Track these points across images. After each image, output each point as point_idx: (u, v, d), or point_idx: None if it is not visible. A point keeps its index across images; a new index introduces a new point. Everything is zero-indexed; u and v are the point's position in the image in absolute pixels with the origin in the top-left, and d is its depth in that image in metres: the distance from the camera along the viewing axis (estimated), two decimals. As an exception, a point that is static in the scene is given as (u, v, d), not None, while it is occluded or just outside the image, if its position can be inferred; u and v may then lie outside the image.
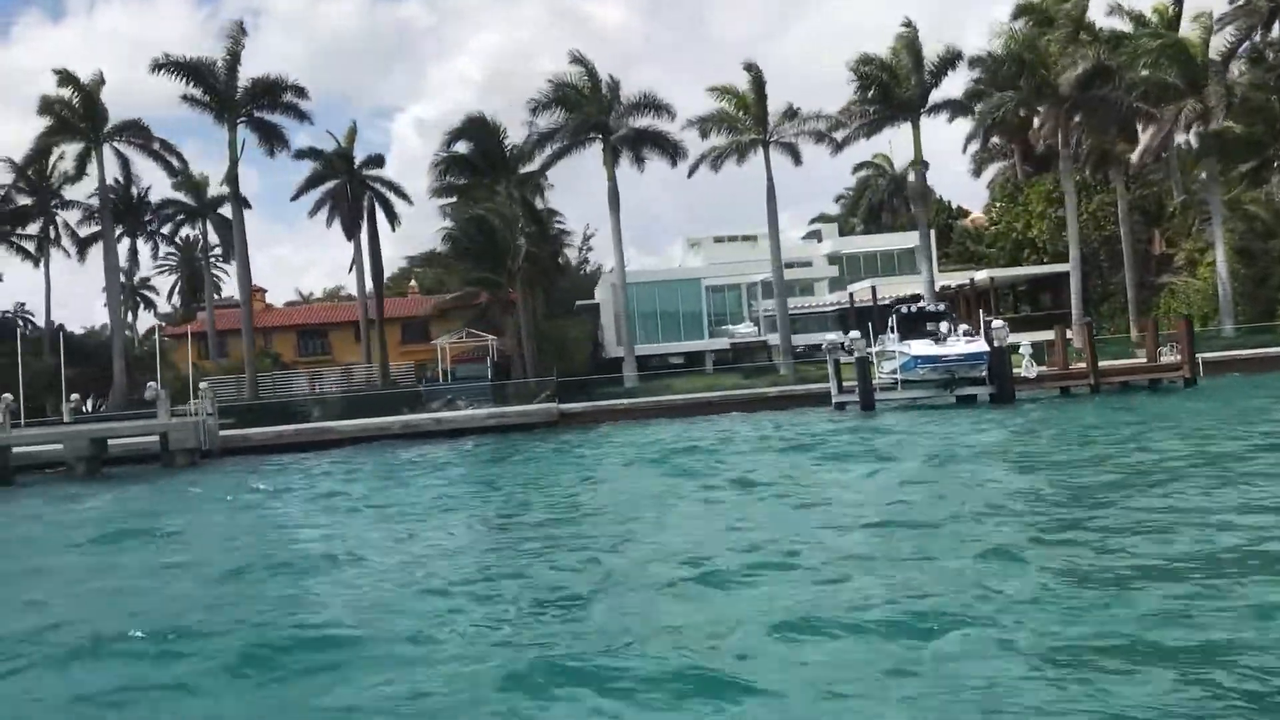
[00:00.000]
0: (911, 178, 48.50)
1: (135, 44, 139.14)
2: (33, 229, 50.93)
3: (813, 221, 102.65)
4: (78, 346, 54.23)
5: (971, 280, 58.85)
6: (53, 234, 51.50)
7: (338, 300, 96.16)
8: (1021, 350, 35.74)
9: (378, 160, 62.04)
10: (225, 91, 46.41)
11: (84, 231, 52.33)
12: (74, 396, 39.98)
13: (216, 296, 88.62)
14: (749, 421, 35.89)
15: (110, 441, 35.42)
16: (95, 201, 50.22)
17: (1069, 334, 43.55)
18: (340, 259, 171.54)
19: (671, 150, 45.65)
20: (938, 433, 25.87)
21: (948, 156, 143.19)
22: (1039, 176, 68.00)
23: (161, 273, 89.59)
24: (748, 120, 45.16)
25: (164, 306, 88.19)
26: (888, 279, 62.82)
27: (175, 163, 48.67)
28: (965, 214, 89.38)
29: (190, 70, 45.67)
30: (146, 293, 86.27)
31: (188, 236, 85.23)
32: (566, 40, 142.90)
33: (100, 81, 46.53)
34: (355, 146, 56.62)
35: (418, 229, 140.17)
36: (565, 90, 45.19)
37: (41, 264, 50.88)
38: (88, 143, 46.71)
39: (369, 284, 56.73)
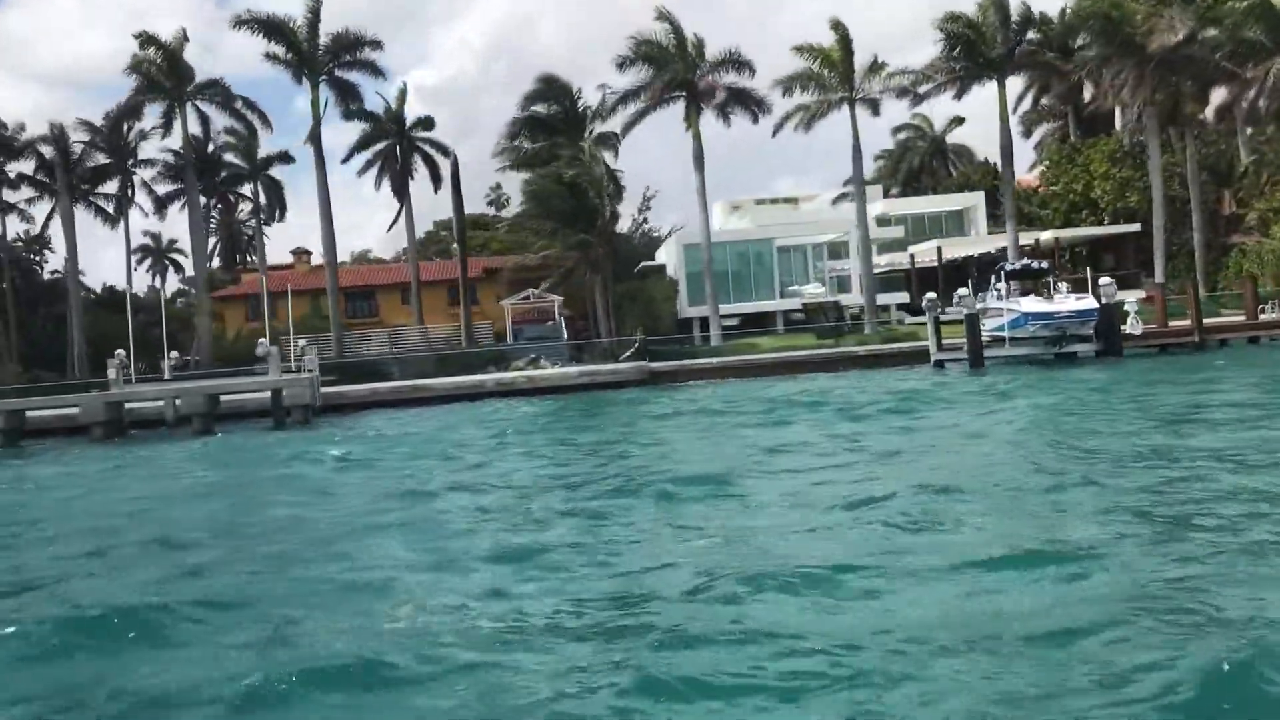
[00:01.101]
0: (999, 136, 48.27)
1: (131, 12, 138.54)
2: (110, 188, 50.99)
3: (846, 183, 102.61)
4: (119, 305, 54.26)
5: (1037, 241, 58.90)
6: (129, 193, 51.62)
7: (365, 263, 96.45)
8: (1127, 307, 35.94)
9: (427, 122, 62.08)
10: (307, 49, 46.33)
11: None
12: (174, 354, 40.26)
13: (253, 259, 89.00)
14: (850, 379, 36.01)
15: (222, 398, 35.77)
16: (170, 159, 50.45)
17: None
18: (364, 221, 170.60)
19: (756, 107, 45.55)
20: (1086, 385, 26.15)
21: (985, 120, 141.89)
22: (1097, 137, 67.68)
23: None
24: (833, 78, 45.03)
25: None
26: (945, 240, 62.96)
27: (256, 121, 48.59)
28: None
29: (272, 28, 45.62)
30: (175, 255, 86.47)
31: (228, 198, 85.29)
32: (569, 6, 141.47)
33: (183, 40, 46.49)
34: (403, 109, 56.68)
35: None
36: (649, 48, 45.04)
37: (121, 223, 50.96)
38: (172, 101, 46.68)
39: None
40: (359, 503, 15.30)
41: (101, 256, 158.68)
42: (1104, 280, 35.01)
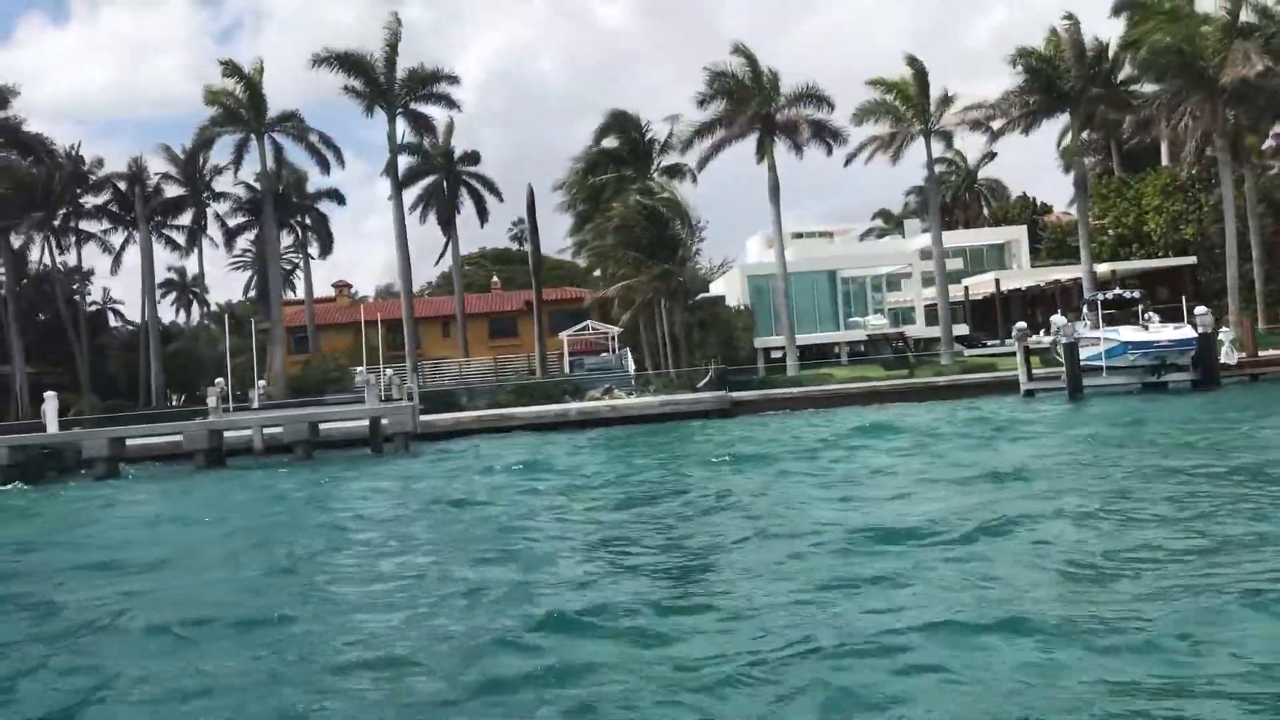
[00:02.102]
0: (1068, 169, 48.61)
1: (137, 46, 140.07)
2: (183, 219, 51.35)
3: (874, 217, 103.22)
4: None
5: (1094, 273, 59.25)
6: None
7: (386, 298, 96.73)
8: (1222, 337, 36.09)
9: (474, 157, 62.64)
10: (385, 83, 46.84)
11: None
12: (262, 382, 40.40)
13: (290, 294, 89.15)
14: (944, 410, 35.88)
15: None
16: (241, 192, 50.95)
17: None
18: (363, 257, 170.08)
19: (832, 139, 45.96)
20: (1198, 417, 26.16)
21: (1018, 155, 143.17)
22: (1144, 171, 68.04)
23: (236, 268, 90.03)
24: (908, 110, 45.47)
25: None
26: (998, 273, 63.30)
27: (329, 155, 49.02)
28: (1049, 210, 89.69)
29: (351, 63, 46.11)
30: (196, 289, 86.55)
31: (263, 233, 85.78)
32: (567, 40, 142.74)
33: (260, 71, 46.98)
34: (449, 142, 56.99)
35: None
36: (725, 81, 45.52)
37: (195, 254, 51.30)
38: (249, 132, 47.13)
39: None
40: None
41: (119, 290, 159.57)
42: (1199, 310, 35.16)
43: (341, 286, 78.66)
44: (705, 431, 34.32)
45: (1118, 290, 38.92)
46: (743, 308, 48.90)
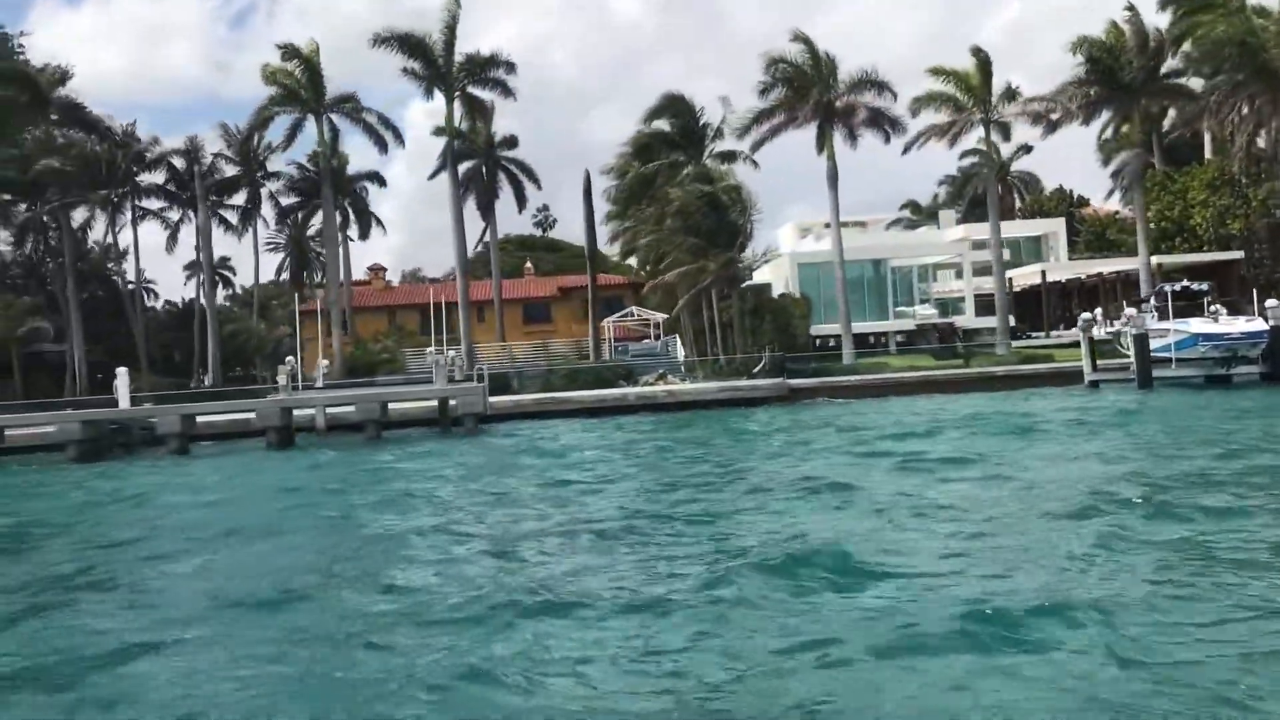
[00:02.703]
0: (1123, 160, 48.45)
1: (150, 30, 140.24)
2: (238, 199, 51.54)
3: (901, 208, 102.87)
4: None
5: (1149, 265, 59.27)
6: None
7: (413, 282, 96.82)
8: (1292, 330, 35.88)
9: (512, 142, 62.68)
10: (444, 66, 46.89)
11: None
12: (324, 362, 40.59)
13: (320, 276, 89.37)
14: (1016, 400, 35.93)
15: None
16: (294, 172, 51.12)
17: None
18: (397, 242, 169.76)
19: (891, 127, 45.90)
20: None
21: (1049, 148, 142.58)
22: (1188, 165, 67.76)
23: (271, 249, 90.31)
24: (969, 100, 45.37)
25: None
26: (1042, 265, 63.24)
27: (388, 137, 49.06)
28: (1085, 203, 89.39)
29: (412, 45, 46.17)
30: (225, 271, 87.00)
31: (296, 216, 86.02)
32: (581, 32, 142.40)
33: (317, 52, 47.06)
34: (489, 129, 56.73)
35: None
36: (783, 68, 45.46)
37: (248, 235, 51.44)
38: (308, 113, 47.25)
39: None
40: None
41: (154, 271, 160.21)
42: (1271, 302, 35.00)
43: (376, 270, 78.79)
44: (798, 417, 33.97)
45: (1185, 282, 38.74)
46: (799, 295, 48.84)
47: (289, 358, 36.32)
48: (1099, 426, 24.18)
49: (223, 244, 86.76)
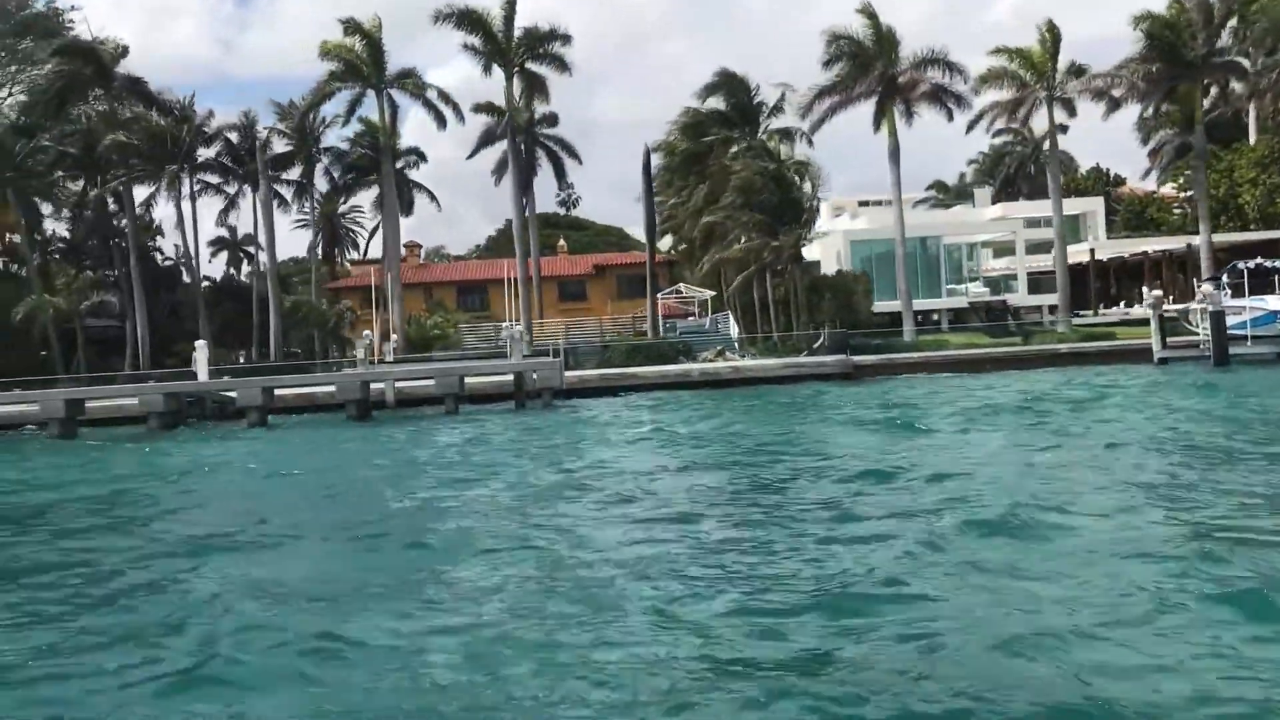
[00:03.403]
0: (1195, 138, 48.24)
1: (155, 10, 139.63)
2: (292, 174, 51.56)
3: (928, 188, 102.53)
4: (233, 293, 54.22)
5: (1189, 245, 59.19)
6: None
7: (436, 260, 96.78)
8: (1368, 308, 35.95)
9: (552, 119, 62.40)
10: (504, 41, 46.85)
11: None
12: (395, 337, 40.73)
13: (356, 254, 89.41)
14: (1085, 376, 35.97)
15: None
16: (345, 147, 51.19)
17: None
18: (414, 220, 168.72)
19: (955, 104, 45.79)
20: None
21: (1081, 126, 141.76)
22: (1243, 142, 67.49)
23: (302, 226, 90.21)
24: (1033, 77, 45.23)
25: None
26: (1088, 244, 63.14)
27: (448, 113, 48.97)
28: (1121, 182, 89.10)
29: (472, 20, 46.14)
30: (249, 248, 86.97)
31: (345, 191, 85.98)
32: (589, 11, 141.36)
33: (379, 27, 47.01)
34: (530, 104, 56.24)
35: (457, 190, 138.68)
36: (845, 43, 45.33)
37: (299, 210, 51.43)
38: (369, 88, 47.25)
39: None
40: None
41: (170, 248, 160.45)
42: (1346, 280, 35.05)
43: (412, 247, 78.73)
44: (888, 394, 34.08)
45: (1260, 260, 38.68)
46: (859, 273, 48.85)
47: (366, 332, 36.51)
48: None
49: (245, 222, 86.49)
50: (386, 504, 15.37)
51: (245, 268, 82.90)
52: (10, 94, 57.79)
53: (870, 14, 44.87)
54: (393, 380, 36.96)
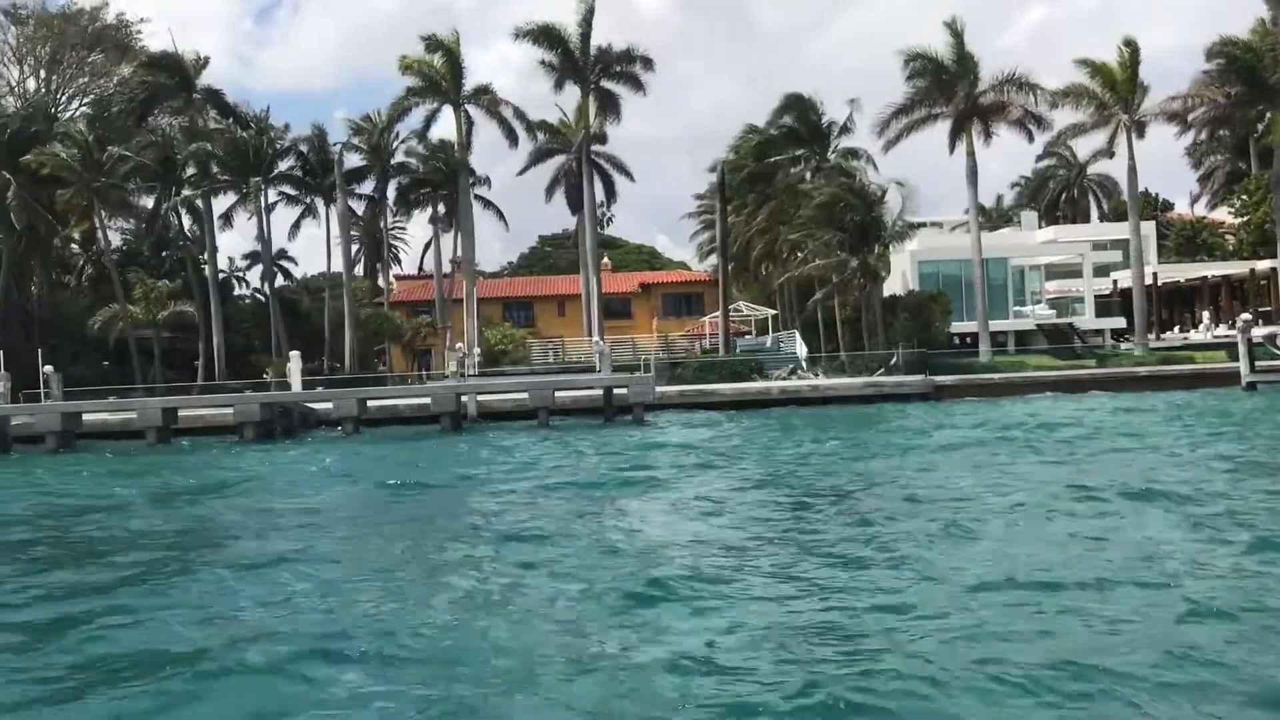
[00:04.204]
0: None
1: (178, 23, 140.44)
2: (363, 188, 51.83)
3: (966, 211, 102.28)
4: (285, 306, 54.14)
5: (1253, 270, 59.18)
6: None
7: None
8: None
9: (601, 137, 62.41)
10: (580, 58, 47.12)
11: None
12: (477, 350, 40.76)
13: (398, 268, 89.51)
14: (1177, 401, 35.76)
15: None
16: (414, 162, 51.45)
17: None
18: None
19: (1034, 125, 45.82)
20: None
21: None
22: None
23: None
24: (1112, 98, 45.19)
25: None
26: (1151, 268, 62.83)
27: (520, 130, 49.21)
28: (1169, 207, 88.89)
29: (551, 38, 46.45)
30: (284, 263, 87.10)
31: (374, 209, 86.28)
32: (604, 28, 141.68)
33: (458, 43, 47.34)
34: (581, 123, 56.14)
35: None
36: (925, 63, 45.42)
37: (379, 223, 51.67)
38: (445, 103, 47.51)
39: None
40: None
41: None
42: None
43: (458, 263, 78.88)
44: (984, 416, 33.91)
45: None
46: (938, 293, 48.80)
47: (459, 345, 36.56)
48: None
49: (278, 237, 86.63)
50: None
51: (279, 280, 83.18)
52: (81, 106, 58.42)
53: (956, 32, 44.91)
54: (474, 393, 36.96)
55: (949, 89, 44.61)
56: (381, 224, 52.12)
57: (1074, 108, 45.90)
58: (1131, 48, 44.54)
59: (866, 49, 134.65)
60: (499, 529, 14.11)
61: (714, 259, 69.56)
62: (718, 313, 62.11)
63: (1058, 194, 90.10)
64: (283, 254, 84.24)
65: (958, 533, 12.35)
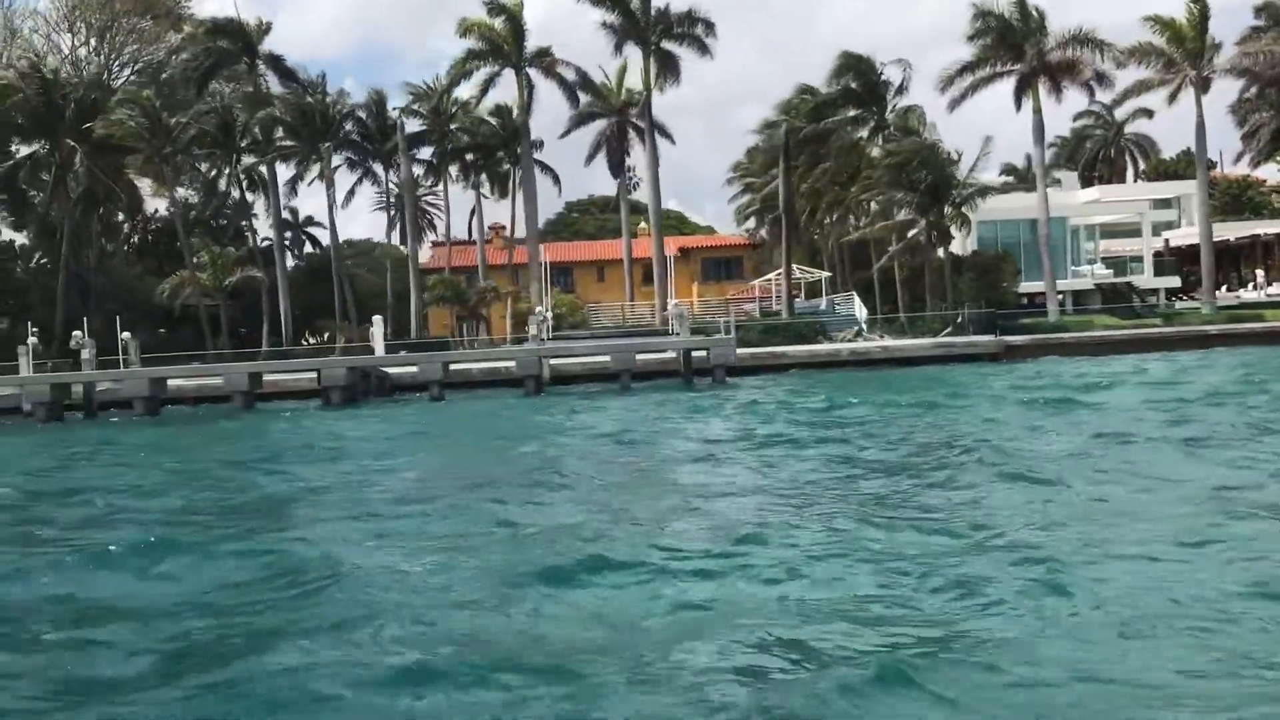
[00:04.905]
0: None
1: None
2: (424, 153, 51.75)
3: (1001, 173, 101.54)
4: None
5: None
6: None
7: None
8: None
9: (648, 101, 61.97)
10: (641, 19, 46.91)
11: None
12: (548, 315, 40.83)
13: (434, 235, 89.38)
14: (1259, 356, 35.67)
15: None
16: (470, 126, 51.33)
17: None
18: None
19: (1097, 82, 45.48)
20: None
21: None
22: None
23: (379, 208, 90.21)
24: (1181, 54, 44.78)
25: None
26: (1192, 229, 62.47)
27: (581, 92, 49.00)
28: (1213, 166, 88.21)
29: (615, 0, 46.35)
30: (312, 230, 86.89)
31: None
32: None
33: (521, 5, 47.11)
34: (621, 85, 55.73)
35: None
36: (994, 20, 45.07)
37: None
38: (509, 66, 47.38)
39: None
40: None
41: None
42: None
43: (498, 229, 78.92)
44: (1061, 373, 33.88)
45: None
46: (1003, 253, 48.68)
47: (539, 308, 36.69)
48: None
49: (308, 203, 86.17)
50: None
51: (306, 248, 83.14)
52: (130, 74, 58.42)
53: (1020, -9, 44.54)
54: (556, 356, 37.07)
55: (1016, 47, 44.22)
56: (442, 189, 51.73)
57: (1140, 65, 45.47)
58: (1200, 3, 44.08)
59: (869, 23, 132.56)
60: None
61: (751, 223, 69.46)
62: (769, 275, 62.10)
63: (1095, 154, 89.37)
64: (310, 220, 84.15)
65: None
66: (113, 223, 58.83)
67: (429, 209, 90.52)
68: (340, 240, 50.12)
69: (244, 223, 50.85)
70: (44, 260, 54.78)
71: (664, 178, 52.53)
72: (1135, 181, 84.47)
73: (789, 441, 18.81)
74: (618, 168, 65.41)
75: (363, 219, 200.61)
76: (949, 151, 44.59)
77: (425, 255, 61.12)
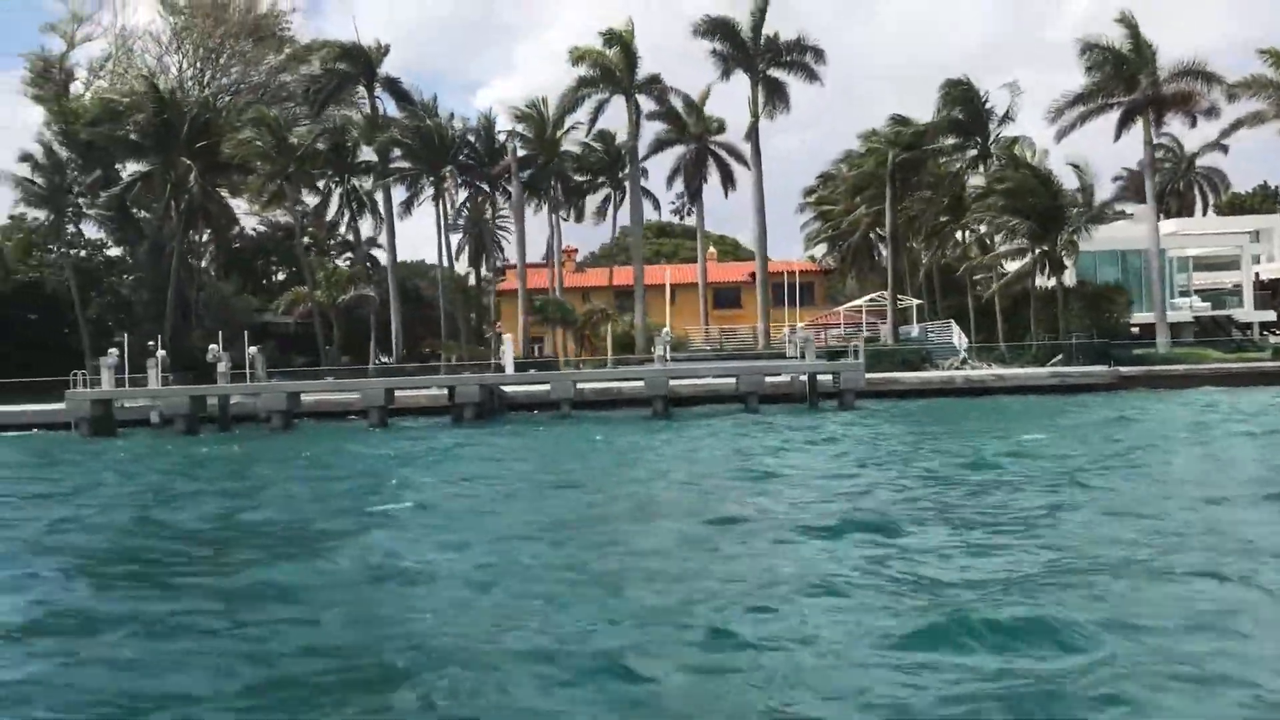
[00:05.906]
0: None
1: None
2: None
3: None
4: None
5: None
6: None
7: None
8: None
9: (720, 127, 62.43)
10: (751, 47, 47.55)
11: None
12: (667, 334, 41.20)
13: (501, 257, 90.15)
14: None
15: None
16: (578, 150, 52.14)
17: None
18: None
19: (1204, 114, 45.62)
20: None
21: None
22: None
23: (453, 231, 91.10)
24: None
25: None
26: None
27: (688, 118, 49.66)
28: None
29: (726, 30, 47.04)
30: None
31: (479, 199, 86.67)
32: (654, 16, 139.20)
33: (632, 33, 47.88)
34: (701, 112, 55.81)
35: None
36: (1103, 53, 45.30)
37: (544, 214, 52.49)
38: (618, 92, 48.10)
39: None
40: None
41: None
42: None
43: (569, 252, 79.45)
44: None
45: None
46: (1116, 285, 48.67)
47: (665, 330, 37.12)
48: None
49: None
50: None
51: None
52: (231, 95, 59.89)
53: (1131, 25, 44.77)
54: (682, 378, 37.27)
55: (1130, 79, 44.41)
56: (555, 216, 52.20)
57: (1252, 97, 45.45)
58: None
59: (904, 44, 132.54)
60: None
61: (820, 249, 69.63)
62: (858, 300, 62.17)
63: (1164, 186, 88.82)
64: (370, 241, 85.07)
65: None
66: (194, 243, 60.22)
67: (500, 231, 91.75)
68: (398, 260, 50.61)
69: (351, 239, 51.71)
70: (141, 275, 55.99)
71: (708, 203, 52.62)
72: (1204, 215, 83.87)
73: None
74: (695, 194, 65.76)
75: (407, 239, 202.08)
76: (1059, 181, 44.69)
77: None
